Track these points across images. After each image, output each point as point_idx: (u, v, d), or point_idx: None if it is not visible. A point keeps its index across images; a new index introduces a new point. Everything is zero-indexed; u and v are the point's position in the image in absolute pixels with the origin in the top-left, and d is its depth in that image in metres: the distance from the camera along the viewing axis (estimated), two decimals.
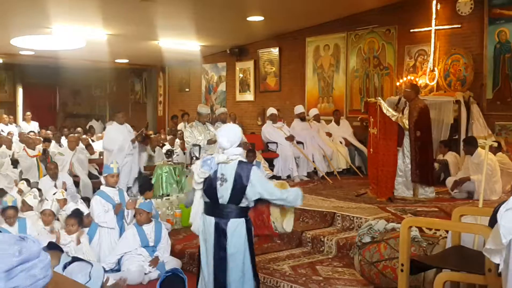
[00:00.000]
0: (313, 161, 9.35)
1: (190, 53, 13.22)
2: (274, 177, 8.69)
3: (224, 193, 3.70)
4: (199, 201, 3.89)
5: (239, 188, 3.65)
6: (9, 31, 10.69)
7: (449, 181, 7.31)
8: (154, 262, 5.45)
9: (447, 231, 4.30)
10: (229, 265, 3.73)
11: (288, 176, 9.18)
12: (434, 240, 4.45)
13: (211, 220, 3.78)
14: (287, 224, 4.07)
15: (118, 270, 5.40)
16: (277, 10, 9.84)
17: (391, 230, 4.47)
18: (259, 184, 3.68)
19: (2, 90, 14.77)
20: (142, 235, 5.56)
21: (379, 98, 7.30)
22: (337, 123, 10.46)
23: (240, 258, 3.76)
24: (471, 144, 7.04)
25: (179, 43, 12.30)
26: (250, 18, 10.19)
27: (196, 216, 3.92)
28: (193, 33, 11.24)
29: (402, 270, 3.35)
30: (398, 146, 6.86)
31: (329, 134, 10.08)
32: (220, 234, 3.74)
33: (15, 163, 8.48)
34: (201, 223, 3.88)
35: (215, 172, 3.71)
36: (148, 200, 5.94)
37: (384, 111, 6.78)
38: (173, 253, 5.73)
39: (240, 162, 3.72)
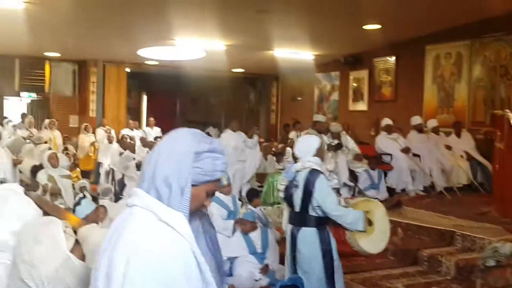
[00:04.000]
0: (431, 175, 8.89)
1: (303, 62, 13.28)
2: (388, 189, 8.42)
3: (297, 199, 3.84)
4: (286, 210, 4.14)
5: (307, 194, 3.77)
6: (136, 43, 11.52)
7: None
8: (264, 270, 5.49)
9: None
10: (301, 269, 3.76)
11: (403, 190, 8.82)
12: None
13: (289, 227, 3.98)
14: (366, 244, 3.86)
15: (230, 274, 5.51)
16: (395, 17, 9.52)
17: None
18: (319, 192, 3.74)
19: (128, 97, 15.88)
20: (248, 241, 5.62)
21: (507, 110, 6.77)
22: (458, 135, 9.83)
23: (313, 266, 3.77)
24: None
25: (293, 53, 12.41)
26: (366, 27, 9.97)
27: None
28: (307, 42, 11.26)
29: None
30: None
31: (448, 147, 9.52)
32: (293, 242, 3.89)
33: (138, 166, 9.05)
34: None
35: (293, 179, 3.89)
36: (251, 210, 6.01)
37: None
38: (282, 261, 5.72)
39: (312, 170, 3.82)
